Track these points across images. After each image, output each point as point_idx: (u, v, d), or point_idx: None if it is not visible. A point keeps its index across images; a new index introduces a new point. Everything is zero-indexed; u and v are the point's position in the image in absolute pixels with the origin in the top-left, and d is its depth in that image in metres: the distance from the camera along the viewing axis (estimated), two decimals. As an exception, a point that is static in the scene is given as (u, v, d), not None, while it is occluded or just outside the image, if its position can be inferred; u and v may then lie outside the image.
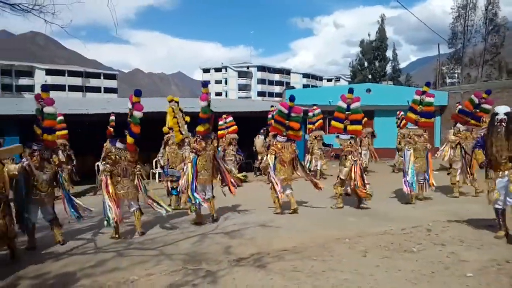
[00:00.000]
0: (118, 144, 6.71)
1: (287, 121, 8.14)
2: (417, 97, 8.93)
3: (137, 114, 6.56)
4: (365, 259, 5.25)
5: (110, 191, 6.55)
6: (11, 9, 6.31)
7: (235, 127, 12.93)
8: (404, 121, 13.77)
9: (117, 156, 6.67)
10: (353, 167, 8.30)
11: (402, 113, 13.60)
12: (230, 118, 13.07)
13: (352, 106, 8.42)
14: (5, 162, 5.69)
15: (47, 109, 6.17)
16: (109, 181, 6.60)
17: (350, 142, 8.48)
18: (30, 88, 69.52)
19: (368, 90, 20.43)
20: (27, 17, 6.45)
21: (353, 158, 8.36)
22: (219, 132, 13.28)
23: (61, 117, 10.77)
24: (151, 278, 4.80)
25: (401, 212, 8.02)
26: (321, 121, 14.19)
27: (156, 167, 13.11)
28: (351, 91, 8.54)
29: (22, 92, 66.87)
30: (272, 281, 4.56)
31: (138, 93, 6.79)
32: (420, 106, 8.86)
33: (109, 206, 6.47)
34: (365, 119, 13.92)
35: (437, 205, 8.59)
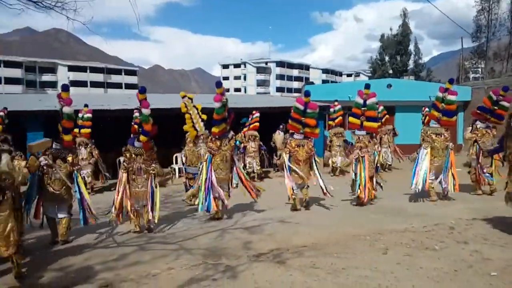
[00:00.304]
0: (136, 143, 6.74)
1: (303, 118, 8.02)
2: (440, 94, 8.68)
3: (145, 111, 6.54)
4: (385, 256, 5.20)
5: (123, 188, 6.64)
6: (35, 6, 6.44)
7: (256, 124, 12.88)
8: (427, 118, 13.56)
9: (133, 154, 6.72)
10: (359, 163, 8.15)
11: (426, 109, 13.36)
12: (257, 114, 12.96)
13: (368, 102, 8.28)
14: (17, 158, 5.77)
15: (65, 109, 6.20)
16: (124, 178, 6.69)
17: (359, 138, 8.33)
18: (53, 84, 71.04)
19: (389, 86, 20.13)
20: (50, 14, 6.60)
21: (359, 154, 8.19)
22: (244, 129, 13.28)
23: (89, 115, 10.97)
24: (172, 272, 4.86)
25: (422, 210, 7.91)
26: (341, 117, 14.05)
27: (176, 163, 13.25)
28: (367, 86, 8.38)
29: (46, 88, 68.40)
30: (292, 277, 4.56)
31: (143, 90, 6.77)
32: (442, 104, 8.65)
33: (117, 199, 6.62)
34: (387, 116, 13.79)
35: (459, 202, 8.44)
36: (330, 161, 13.67)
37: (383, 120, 13.60)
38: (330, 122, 14.00)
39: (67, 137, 6.30)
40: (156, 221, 6.75)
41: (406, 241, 5.76)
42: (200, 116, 9.08)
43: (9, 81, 65.26)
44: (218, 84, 7.43)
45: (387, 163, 13.98)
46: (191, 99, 9.10)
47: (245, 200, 8.52)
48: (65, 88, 6.38)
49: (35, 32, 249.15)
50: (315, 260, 5.08)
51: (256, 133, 12.85)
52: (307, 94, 8.00)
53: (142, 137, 6.64)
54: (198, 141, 9.05)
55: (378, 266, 4.80)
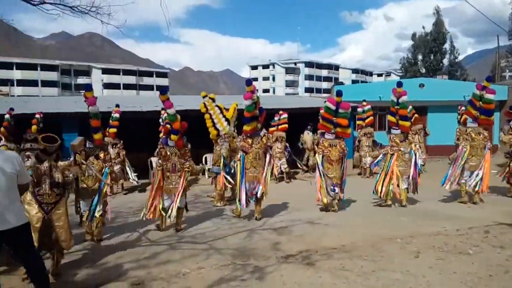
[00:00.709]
0: (169, 142, 6.94)
1: (334, 118, 8.00)
2: (478, 92, 8.46)
3: (170, 111, 6.71)
4: (417, 259, 5.09)
5: (156, 185, 6.80)
6: (71, 11, 6.68)
7: (285, 125, 12.83)
8: (464, 117, 13.19)
9: (167, 152, 6.91)
10: (387, 159, 8.13)
11: (463, 107, 12.98)
12: (285, 115, 12.94)
13: (400, 100, 8.20)
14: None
15: (91, 109, 6.41)
16: (159, 176, 6.85)
17: (391, 137, 8.31)
18: (87, 87, 73.12)
19: (421, 85, 19.68)
20: (85, 18, 6.77)
21: (389, 151, 8.17)
22: (270, 129, 13.30)
23: (116, 115, 11.20)
24: (201, 271, 4.93)
25: (455, 212, 7.70)
26: (371, 117, 13.84)
27: (206, 163, 13.40)
28: (399, 84, 8.30)
29: (80, 91, 70.53)
30: (321, 279, 4.54)
31: (164, 92, 6.90)
32: (480, 102, 8.42)
33: (151, 196, 6.77)
34: (416, 115, 13.47)
35: (495, 205, 8.17)
36: (360, 163, 13.51)
37: (412, 119, 13.31)
38: (360, 122, 13.82)
39: (97, 136, 6.49)
40: (173, 213, 6.86)
41: (439, 245, 5.63)
42: (224, 116, 9.15)
43: (46, 83, 67.70)
44: (248, 82, 7.47)
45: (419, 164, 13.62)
46: (212, 99, 9.17)
47: (273, 201, 8.54)
48: (89, 88, 6.61)
49: (71, 36, 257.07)
50: (344, 262, 5.04)
51: (283, 134, 12.82)
52: (339, 94, 7.99)
53: (173, 136, 6.82)
54: (221, 141, 9.15)
55: (409, 270, 4.71)
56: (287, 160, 13.00)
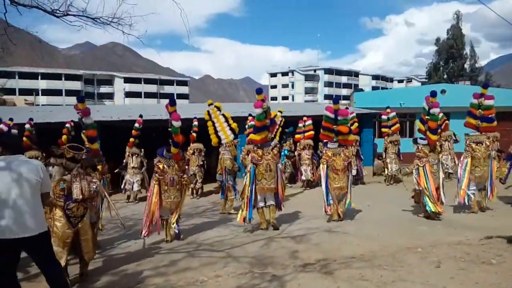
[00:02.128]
0: (166, 154, 6.82)
1: (335, 126, 7.84)
2: (475, 101, 8.40)
3: (176, 124, 6.63)
4: (438, 270, 4.99)
5: (154, 200, 6.63)
6: (93, 23, 6.82)
7: (311, 132, 12.69)
8: (397, 126, 13.10)
9: (165, 166, 6.77)
10: (420, 173, 7.79)
11: None
12: (309, 122, 12.81)
13: (431, 111, 7.92)
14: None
15: (86, 120, 6.37)
16: (156, 189, 6.66)
17: (418, 148, 8.01)
18: (110, 96, 74.78)
19: (443, 91, 19.36)
20: (107, 29, 6.90)
21: (419, 164, 7.85)
22: (296, 136, 13.26)
23: (136, 125, 11.40)
24: (219, 280, 4.94)
25: (478, 221, 7.52)
26: (398, 125, 13.67)
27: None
28: (433, 94, 7.96)
29: (103, 100, 72.01)
30: (339, 289, 4.50)
31: (173, 103, 6.81)
32: (480, 110, 8.32)
33: (149, 210, 6.58)
34: (446, 122, 13.21)
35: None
36: (385, 169, 13.36)
37: (443, 126, 13.05)
38: (385, 130, 13.63)
39: (94, 146, 6.51)
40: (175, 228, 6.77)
41: (461, 255, 5.50)
42: (229, 125, 9.23)
43: (70, 93, 69.11)
44: (259, 91, 7.41)
45: (448, 171, 13.35)
46: (217, 107, 9.28)
47: (290, 209, 8.51)
48: (81, 99, 6.49)
49: (94, 46, 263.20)
50: (363, 272, 4.97)
51: (311, 142, 12.74)
52: (335, 101, 7.95)
53: (173, 149, 6.72)
54: (222, 149, 9.24)
55: (430, 280, 4.63)
56: (313, 168, 12.90)
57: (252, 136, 7.56)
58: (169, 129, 6.74)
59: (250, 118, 10.05)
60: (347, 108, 13.26)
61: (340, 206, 7.89)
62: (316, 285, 4.65)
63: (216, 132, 9.17)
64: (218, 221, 8.34)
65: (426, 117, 8.05)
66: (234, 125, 9.22)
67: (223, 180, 9.12)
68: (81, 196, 4.71)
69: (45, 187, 3.98)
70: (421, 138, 8.21)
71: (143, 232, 6.57)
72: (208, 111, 9.24)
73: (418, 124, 8.51)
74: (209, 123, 9.24)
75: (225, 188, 9.15)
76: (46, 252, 3.97)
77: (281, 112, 8.94)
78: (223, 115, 9.17)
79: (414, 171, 7.98)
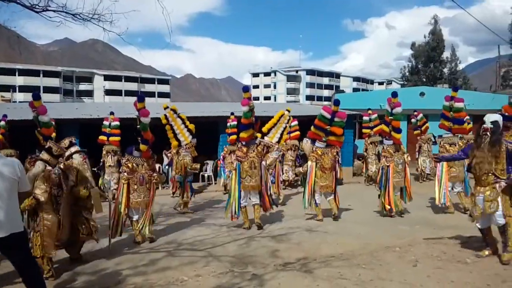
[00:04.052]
0: (135, 153, 6.71)
1: (328, 126, 7.91)
2: (447, 103, 8.65)
3: (145, 120, 6.49)
4: (415, 268, 5.09)
5: (124, 200, 6.51)
6: (73, 19, 6.72)
7: (297, 132, 12.70)
8: (426, 125, 13.34)
9: (134, 164, 6.66)
10: (384, 173, 8.09)
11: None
12: (295, 122, 12.84)
13: (394, 111, 8.11)
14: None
15: (42, 118, 6.03)
16: (125, 188, 6.56)
17: (384, 148, 8.29)
18: (89, 93, 73.56)
19: (422, 94, 19.73)
20: (87, 25, 6.81)
21: (385, 163, 8.13)
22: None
23: (116, 123, 11.22)
24: (199, 279, 4.93)
25: (454, 221, 7.67)
26: (379, 126, 13.82)
27: (206, 170, 13.43)
28: (394, 95, 8.17)
29: (82, 97, 70.82)
30: None
31: (141, 99, 6.64)
32: (451, 112, 8.59)
33: (115, 217, 6.42)
34: (427, 124, 13.46)
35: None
36: (364, 170, 13.52)
37: (423, 128, 13.32)
38: (366, 131, 13.75)
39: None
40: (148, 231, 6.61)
41: (437, 254, 5.63)
42: (186, 126, 9.23)
43: (48, 90, 67.75)
44: (245, 89, 7.51)
45: (425, 172, 13.61)
46: (173, 110, 9.27)
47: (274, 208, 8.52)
48: (36, 96, 6.09)
49: (74, 43, 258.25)
50: (342, 270, 5.04)
51: (297, 142, 12.74)
52: (336, 103, 7.95)
53: (142, 146, 6.59)
54: (182, 151, 9.29)
55: (407, 279, 4.72)
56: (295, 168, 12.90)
57: (240, 134, 7.58)
58: (138, 126, 6.58)
59: (232, 117, 10.05)
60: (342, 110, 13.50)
61: (332, 206, 8.01)
62: (296, 284, 4.68)
63: (175, 135, 9.20)
64: (199, 220, 8.31)
65: (390, 117, 8.22)
66: (191, 126, 9.31)
67: (182, 180, 9.26)
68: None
69: (22, 186, 3.89)
70: (386, 139, 8.41)
71: (110, 233, 6.31)
72: (165, 115, 9.22)
73: (382, 127, 8.72)
74: (168, 127, 9.24)
75: (183, 189, 9.25)
76: (20, 253, 3.86)
77: (289, 111, 8.91)
78: (180, 117, 9.20)
79: (379, 170, 8.26)
